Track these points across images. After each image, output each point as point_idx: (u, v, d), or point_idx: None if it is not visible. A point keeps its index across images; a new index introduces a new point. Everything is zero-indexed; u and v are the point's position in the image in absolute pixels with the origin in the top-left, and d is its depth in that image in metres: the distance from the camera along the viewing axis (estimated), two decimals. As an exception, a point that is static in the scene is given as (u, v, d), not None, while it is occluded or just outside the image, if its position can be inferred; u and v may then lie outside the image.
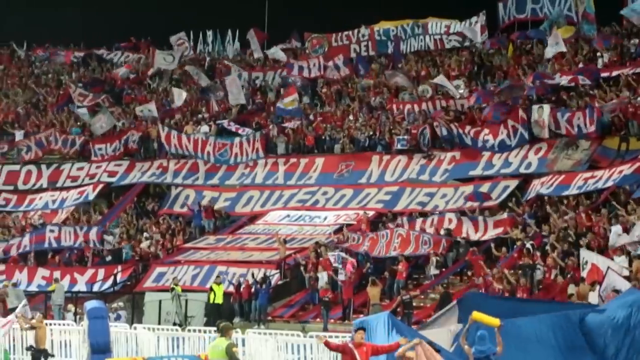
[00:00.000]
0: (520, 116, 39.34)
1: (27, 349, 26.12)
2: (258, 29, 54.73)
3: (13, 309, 34.31)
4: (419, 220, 37.55)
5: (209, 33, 57.80)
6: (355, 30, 52.50)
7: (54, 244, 43.38)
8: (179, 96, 50.05)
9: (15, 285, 38.24)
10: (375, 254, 36.01)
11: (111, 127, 50.00)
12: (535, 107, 39.04)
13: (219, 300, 35.39)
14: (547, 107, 38.69)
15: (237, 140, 45.88)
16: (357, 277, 34.84)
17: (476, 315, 19.35)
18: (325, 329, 31.97)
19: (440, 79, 43.80)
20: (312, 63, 50.51)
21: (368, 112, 45.65)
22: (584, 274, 29.16)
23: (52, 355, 26.40)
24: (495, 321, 19.15)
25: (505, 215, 35.83)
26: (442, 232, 36.20)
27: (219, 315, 33.36)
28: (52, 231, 43.48)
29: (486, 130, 40.17)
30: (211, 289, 35.66)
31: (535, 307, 23.77)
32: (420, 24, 50.37)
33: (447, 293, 32.16)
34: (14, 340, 27.87)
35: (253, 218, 43.20)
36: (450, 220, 36.71)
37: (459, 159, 40.97)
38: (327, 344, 18.69)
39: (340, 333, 26.95)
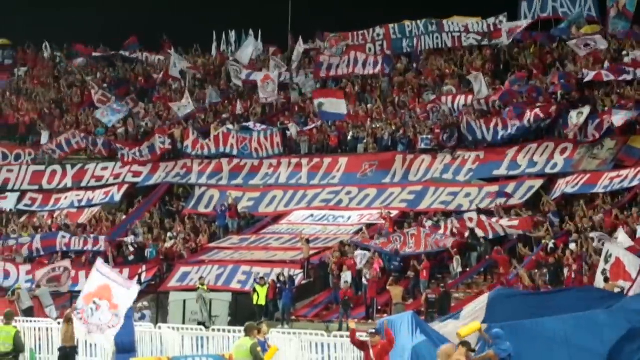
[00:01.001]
0: (550, 109, 39.19)
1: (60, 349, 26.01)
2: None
3: (26, 311, 34.61)
4: (442, 224, 37.35)
5: (232, 33, 57.77)
6: (370, 29, 52.22)
7: (64, 249, 43.49)
8: (184, 107, 49.58)
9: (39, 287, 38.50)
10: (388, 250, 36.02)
11: (135, 128, 50.09)
12: (574, 112, 38.71)
13: (262, 301, 35.44)
14: (586, 110, 38.38)
15: (255, 135, 45.97)
16: (384, 278, 34.73)
17: (462, 331, 19.67)
18: (345, 329, 31.91)
19: (474, 76, 43.15)
20: (343, 60, 50.12)
21: (392, 111, 45.52)
22: (607, 267, 28.95)
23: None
24: (476, 325, 19.71)
25: (524, 214, 35.65)
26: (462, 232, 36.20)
27: (261, 315, 33.81)
28: (63, 237, 43.57)
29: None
30: (254, 290, 35.73)
31: (563, 297, 23.51)
32: (435, 21, 49.92)
33: (447, 292, 32.12)
34: (39, 339, 28.01)
35: (277, 218, 43.21)
36: (471, 220, 36.60)
37: (483, 158, 40.86)
38: (353, 334, 19.98)
39: (363, 333, 26.91)
